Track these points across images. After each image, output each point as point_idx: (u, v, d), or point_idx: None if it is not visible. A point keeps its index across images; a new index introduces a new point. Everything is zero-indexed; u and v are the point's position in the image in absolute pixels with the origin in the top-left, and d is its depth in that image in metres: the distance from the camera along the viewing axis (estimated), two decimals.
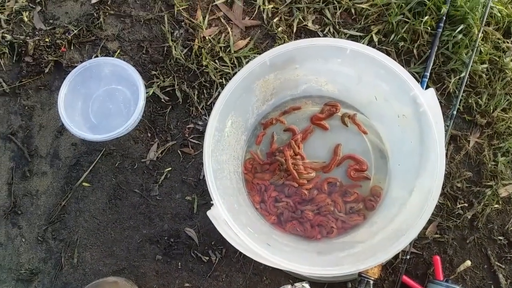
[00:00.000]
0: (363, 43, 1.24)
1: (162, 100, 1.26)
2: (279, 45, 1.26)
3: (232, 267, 1.12)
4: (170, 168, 1.21)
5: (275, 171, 1.14)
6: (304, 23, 1.29)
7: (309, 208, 1.09)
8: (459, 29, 1.15)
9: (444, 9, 1.17)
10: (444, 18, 1.18)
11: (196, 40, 1.30)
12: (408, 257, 1.01)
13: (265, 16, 1.31)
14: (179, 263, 1.14)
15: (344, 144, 1.14)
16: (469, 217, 1.09)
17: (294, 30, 1.29)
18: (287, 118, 1.19)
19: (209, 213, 0.85)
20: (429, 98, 0.87)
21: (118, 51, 1.32)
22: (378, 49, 1.22)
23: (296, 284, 1.03)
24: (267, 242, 0.88)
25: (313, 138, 1.16)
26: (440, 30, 1.18)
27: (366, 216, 1.09)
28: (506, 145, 1.12)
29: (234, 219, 0.85)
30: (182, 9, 1.33)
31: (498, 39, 1.18)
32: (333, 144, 1.14)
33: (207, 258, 1.13)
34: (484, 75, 1.15)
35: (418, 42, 1.19)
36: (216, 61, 1.29)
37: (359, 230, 1.07)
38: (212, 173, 0.86)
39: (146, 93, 1.24)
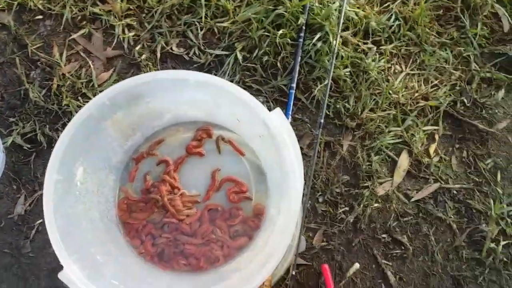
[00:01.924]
0: (228, 62, 1.21)
1: (25, 147, 1.16)
2: (144, 73, 1.22)
3: None
4: (41, 220, 1.11)
5: (152, 209, 1.07)
6: (168, 48, 1.24)
7: (192, 242, 1.04)
8: (316, 37, 1.16)
9: (301, 19, 1.17)
10: (304, 28, 1.18)
11: (55, 79, 1.21)
12: (294, 272, 0.99)
13: (126, 45, 1.25)
14: None
15: (223, 167, 1.10)
16: (351, 220, 1.09)
17: (159, 56, 1.24)
18: (160, 149, 1.13)
19: (60, 275, 0.77)
20: (276, 119, 0.85)
21: None
22: (243, 66, 1.20)
23: None
24: None
25: (190, 167, 1.11)
26: (301, 40, 1.18)
27: (252, 236, 1.06)
28: (377, 144, 1.14)
29: (93, 275, 0.78)
30: (35, 48, 1.24)
31: (358, 41, 1.21)
32: (211, 170, 1.10)
33: None
34: (348, 79, 1.17)
35: (281, 54, 1.19)
36: (79, 97, 1.21)
37: (244, 255, 1.03)
38: (58, 231, 0.78)
39: (4, 143, 1.13)
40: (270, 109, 1.16)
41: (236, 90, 0.87)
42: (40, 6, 1.27)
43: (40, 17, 1.28)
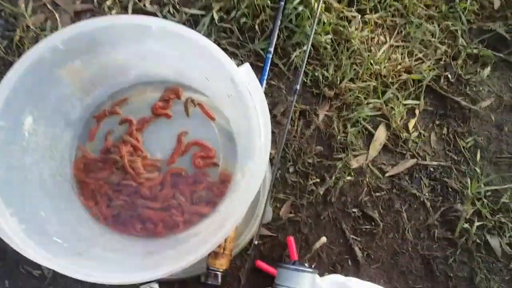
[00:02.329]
0: (204, 22, 1.14)
1: None
2: None
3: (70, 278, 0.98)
4: None
5: (110, 170, 1.01)
6: (141, 4, 1.16)
7: (151, 206, 0.98)
8: (298, 0, 1.09)
9: None
10: None
11: (18, 30, 1.13)
12: (256, 242, 0.93)
13: None
14: (6, 282, 0.98)
15: (191, 131, 1.04)
16: (321, 192, 1.04)
17: (130, 13, 1.16)
18: (124, 108, 1.06)
19: None
20: (244, 75, 0.79)
21: None
22: (219, 27, 1.13)
23: (142, 286, 0.92)
24: (79, 251, 0.75)
25: (156, 128, 1.04)
26: (282, 3, 1.11)
27: (216, 203, 1.00)
28: (355, 115, 1.08)
29: (32, 229, 0.72)
30: None
31: (342, 8, 1.14)
32: (179, 131, 1.04)
33: (39, 272, 0.98)
34: (328, 46, 1.10)
35: (260, 17, 1.12)
36: None
37: (205, 221, 0.98)
38: None
39: None
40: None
41: (202, 40, 0.80)
42: None
43: None
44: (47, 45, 0.79)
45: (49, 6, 1.18)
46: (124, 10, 1.17)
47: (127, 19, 0.82)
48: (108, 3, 1.17)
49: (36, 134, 0.86)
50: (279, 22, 1.11)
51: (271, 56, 1.08)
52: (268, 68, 1.06)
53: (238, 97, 0.83)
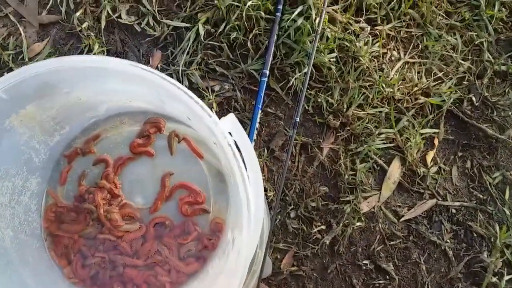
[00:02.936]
0: (189, 37, 0.95)
1: None
2: (85, 46, 0.96)
3: None
4: None
5: (85, 221, 0.85)
6: (115, 15, 0.98)
7: (132, 264, 0.82)
8: (297, 11, 0.91)
9: None
10: None
11: None
12: None
13: (64, 10, 0.98)
14: None
15: (176, 170, 0.88)
16: (328, 241, 0.88)
17: (103, 25, 0.97)
18: (99, 145, 0.89)
19: None
20: (227, 128, 0.62)
21: None
22: (205, 45, 0.95)
23: None
24: None
25: (136, 168, 0.88)
26: (279, 14, 0.93)
27: (207, 258, 0.85)
28: (365, 148, 0.91)
29: None
30: None
31: (348, 19, 0.95)
32: (162, 174, 0.88)
33: None
34: (333, 67, 0.92)
35: (254, 31, 0.93)
36: (5, 73, 0.95)
37: (197, 279, 0.83)
38: None
39: None
40: (237, 100, 0.92)
41: (171, 87, 0.63)
42: None
43: None
44: None
45: (11, 17, 1.00)
46: (97, 21, 0.99)
47: (76, 61, 0.65)
48: (78, 14, 0.98)
49: None
50: (274, 38, 0.93)
51: (266, 79, 0.91)
52: (263, 95, 0.90)
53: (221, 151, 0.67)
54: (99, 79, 0.71)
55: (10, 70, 0.96)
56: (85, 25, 0.98)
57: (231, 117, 0.65)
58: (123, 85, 0.72)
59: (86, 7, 0.99)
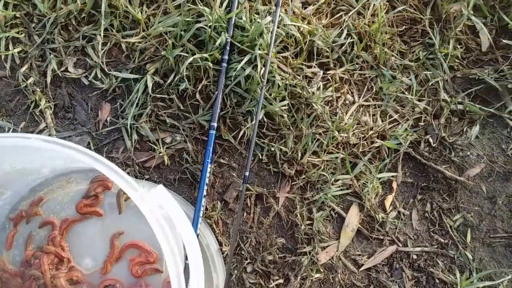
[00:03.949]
0: (137, 89, 0.91)
1: None
2: (31, 102, 0.91)
3: None
4: None
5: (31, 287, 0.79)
6: (62, 69, 0.93)
7: None
8: (245, 60, 0.86)
9: (223, 37, 0.87)
10: (228, 48, 0.88)
11: None
12: None
13: (9, 65, 0.93)
14: None
15: (127, 229, 0.83)
16: None
17: (49, 80, 0.92)
18: (45, 205, 0.84)
19: None
20: (158, 196, 0.58)
21: None
22: (154, 97, 0.90)
23: None
24: None
25: (85, 228, 0.83)
26: (224, 65, 0.88)
27: None
28: (321, 196, 0.86)
29: None
30: None
31: (300, 64, 0.91)
32: (112, 232, 0.83)
33: None
34: (285, 115, 0.88)
35: (203, 81, 0.89)
36: None
37: None
38: None
39: None
40: (188, 151, 0.87)
41: (96, 164, 0.58)
42: None
43: None
44: None
45: None
46: (42, 76, 0.94)
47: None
48: (23, 69, 0.93)
49: None
50: (221, 90, 0.88)
51: (214, 132, 0.86)
52: (211, 148, 0.84)
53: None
54: (29, 151, 0.66)
55: None
56: (30, 80, 0.92)
57: (160, 189, 0.60)
58: (57, 154, 0.67)
59: (32, 62, 0.94)
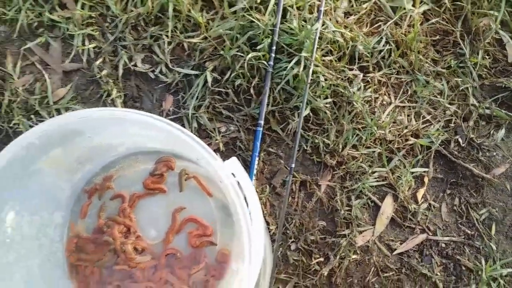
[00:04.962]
0: (198, 83, 0.98)
1: None
2: (104, 91, 0.99)
3: None
4: None
5: (103, 252, 0.86)
6: (131, 64, 1.00)
7: None
8: (294, 61, 0.92)
9: (267, 41, 0.93)
10: (274, 50, 0.94)
11: (6, 93, 0.98)
12: None
13: (85, 58, 1.01)
14: None
15: (186, 204, 0.89)
16: (326, 273, 0.88)
17: (121, 73, 1.00)
18: (117, 180, 0.91)
19: None
20: (230, 169, 0.64)
21: None
22: (212, 90, 0.97)
23: None
24: None
25: (150, 203, 0.89)
26: (271, 63, 0.94)
27: (214, 287, 0.85)
28: (359, 186, 0.91)
29: None
30: None
31: (343, 67, 0.97)
32: (173, 207, 0.89)
33: None
34: (328, 111, 0.94)
35: (256, 78, 0.95)
36: (32, 116, 0.98)
37: None
38: None
39: None
40: (241, 140, 0.93)
41: (181, 135, 0.65)
42: None
43: None
44: (20, 144, 0.65)
45: (37, 65, 1.02)
46: (114, 69, 1.01)
47: (100, 113, 0.67)
48: (98, 62, 1.01)
49: (20, 227, 0.73)
50: (267, 89, 0.94)
51: (261, 129, 0.92)
52: (259, 143, 0.90)
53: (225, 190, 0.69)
54: (120, 126, 0.73)
55: (36, 112, 0.98)
56: (104, 72, 1.00)
57: (233, 160, 0.66)
58: (140, 130, 0.74)
59: (105, 56, 1.01)
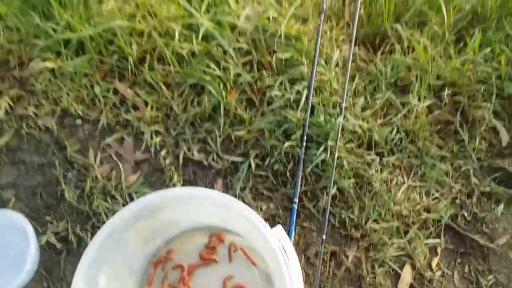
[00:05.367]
0: (243, 169, 1.18)
1: (57, 246, 1.14)
2: (167, 177, 1.20)
3: None
4: None
5: None
6: (189, 153, 1.23)
7: None
8: (321, 149, 1.12)
9: (299, 132, 1.14)
10: (305, 138, 1.15)
11: (88, 180, 1.20)
12: None
13: (153, 150, 1.24)
14: None
15: (235, 273, 1.05)
16: None
17: (181, 162, 1.22)
18: (177, 253, 1.09)
19: None
20: (276, 235, 0.82)
21: (13, 199, 1.20)
22: (254, 174, 1.17)
23: None
24: None
25: (204, 272, 1.07)
26: (303, 151, 1.14)
27: None
28: (381, 255, 1.06)
29: None
30: (74, 150, 1.24)
31: (362, 153, 1.16)
32: (224, 276, 1.06)
33: None
34: (352, 190, 1.12)
35: (291, 163, 1.15)
36: (108, 199, 1.19)
37: None
38: None
39: (40, 241, 1.12)
40: (279, 216, 1.11)
41: (239, 206, 0.85)
42: (80, 112, 1.28)
43: (79, 122, 1.29)
44: (121, 217, 0.86)
45: (113, 156, 1.26)
46: (175, 158, 1.23)
47: (181, 192, 0.89)
48: (163, 153, 1.24)
49: None
50: (300, 173, 1.13)
51: (296, 206, 1.10)
52: (294, 218, 1.08)
53: (272, 254, 0.86)
54: (190, 202, 0.93)
55: (112, 196, 1.19)
56: (167, 161, 1.22)
57: (279, 228, 0.85)
58: (204, 206, 0.94)
59: (169, 148, 1.24)
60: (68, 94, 1.28)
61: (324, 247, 1.05)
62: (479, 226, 1.08)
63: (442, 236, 1.08)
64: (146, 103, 1.26)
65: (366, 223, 1.08)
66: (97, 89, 1.28)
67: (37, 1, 1.35)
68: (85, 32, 1.25)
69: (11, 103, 1.30)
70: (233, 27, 1.28)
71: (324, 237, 0.99)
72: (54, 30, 1.28)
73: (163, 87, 1.27)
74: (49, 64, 1.29)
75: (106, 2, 1.34)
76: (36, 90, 1.30)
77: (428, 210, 1.10)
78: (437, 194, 1.11)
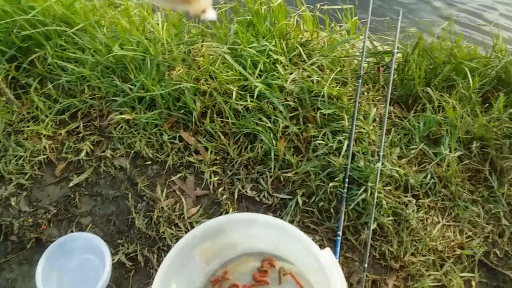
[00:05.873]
0: (291, 205, 1.37)
1: (127, 265, 1.33)
2: (224, 210, 1.40)
3: None
4: None
5: None
6: (243, 191, 1.43)
7: None
8: (361, 190, 1.31)
9: (342, 175, 1.33)
10: (347, 180, 1.33)
11: (156, 211, 1.42)
12: None
13: (211, 187, 1.46)
14: None
15: None
16: None
17: (236, 197, 1.42)
18: (233, 273, 1.25)
19: None
20: (325, 256, 0.98)
21: (90, 225, 1.42)
22: (302, 209, 1.36)
23: None
24: None
25: None
26: (345, 190, 1.32)
27: None
28: (419, 286, 1.18)
29: None
30: (143, 186, 1.48)
31: (399, 195, 1.33)
32: None
33: None
34: (390, 226, 1.27)
35: (334, 201, 1.33)
36: (173, 227, 1.39)
37: None
38: None
39: (112, 260, 1.31)
40: (324, 247, 1.27)
41: (294, 230, 1.02)
42: (150, 155, 1.54)
43: (149, 162, 1.55)
44: (192, 234, 1.05)
45: (177, 192, 1.48)
46: (231, 195, 1.44)
47: (243, 215, 1.08)
48: (220, 190, 1.45)
49: None
50: (343, 209, 1.30)
51: (340, 238, 1.26)
52: (339, 249, 1.23)
53: (321, 272, 1.01)
54: (249, 226, 1.11)
55: (176, 224, 1.39)
56: (224, 196, 1.43)
57: (328, 250, 1.00)
58: (260, 229, 1.11)
59: (225, 186, 1.46)
60: (140, 140, 1.55)
61: (366, 275, 1.18)
62: (511, 263, 1.19)
63: (476, 271, 1.19)
64: (206, 149, 1.51)
65: (404, 255, 1.22)
66: (165, 137, 1.55)
67: (117, 67, 1.68)
68: (157, 91, 1.54)
69: (91, 146, 1.57)
70: (281, 88, 1.56)
71: (366, 265, 1.13)
72: (131, 89, 1.59)
73: (221, 136, 1.52)
74: (126, 116, 1.58)
75: (176, 68, 1.66)
76: (113, 136, 1.58)
77: (462, 247, 1.23)
78: (470, 233, 1.25)
